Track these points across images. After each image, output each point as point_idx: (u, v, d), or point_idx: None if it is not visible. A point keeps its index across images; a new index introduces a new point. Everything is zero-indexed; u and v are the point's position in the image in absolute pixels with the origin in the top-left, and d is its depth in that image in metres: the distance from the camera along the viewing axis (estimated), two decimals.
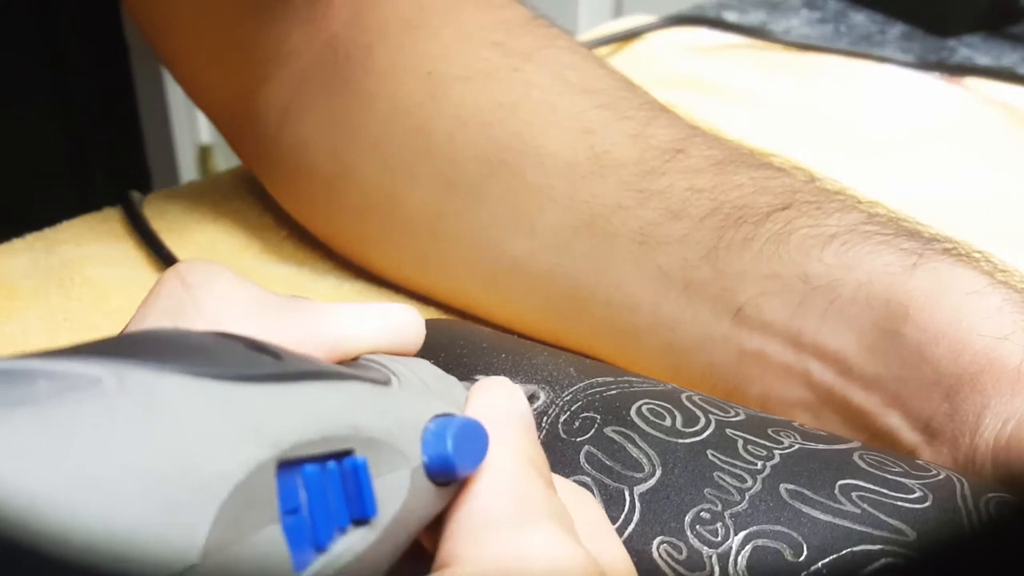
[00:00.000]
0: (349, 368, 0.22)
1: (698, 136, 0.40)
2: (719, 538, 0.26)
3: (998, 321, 0.31)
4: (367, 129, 0.44)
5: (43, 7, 0.68)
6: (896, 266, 0.33)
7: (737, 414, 0.30)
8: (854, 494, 0.26)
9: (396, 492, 0.20)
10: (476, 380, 0.26)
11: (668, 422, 0.29)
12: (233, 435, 0.16)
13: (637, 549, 0.26)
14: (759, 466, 0.27)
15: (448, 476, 0.21)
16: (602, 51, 0.70)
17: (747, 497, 0.27)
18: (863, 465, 0.27)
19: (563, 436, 0.29)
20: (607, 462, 0.28)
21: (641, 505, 0.27)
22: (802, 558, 0.25)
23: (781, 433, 0.29)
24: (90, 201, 0.54)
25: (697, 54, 0.71)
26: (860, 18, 0.78)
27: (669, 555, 0.26)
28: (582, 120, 0.40)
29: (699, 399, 0.30)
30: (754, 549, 0.26)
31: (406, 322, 0.26)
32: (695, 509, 0.27)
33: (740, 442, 0.28)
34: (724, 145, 0.40)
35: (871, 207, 0.36)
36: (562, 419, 0.30)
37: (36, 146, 0.70)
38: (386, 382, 0.22)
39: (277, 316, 0.24)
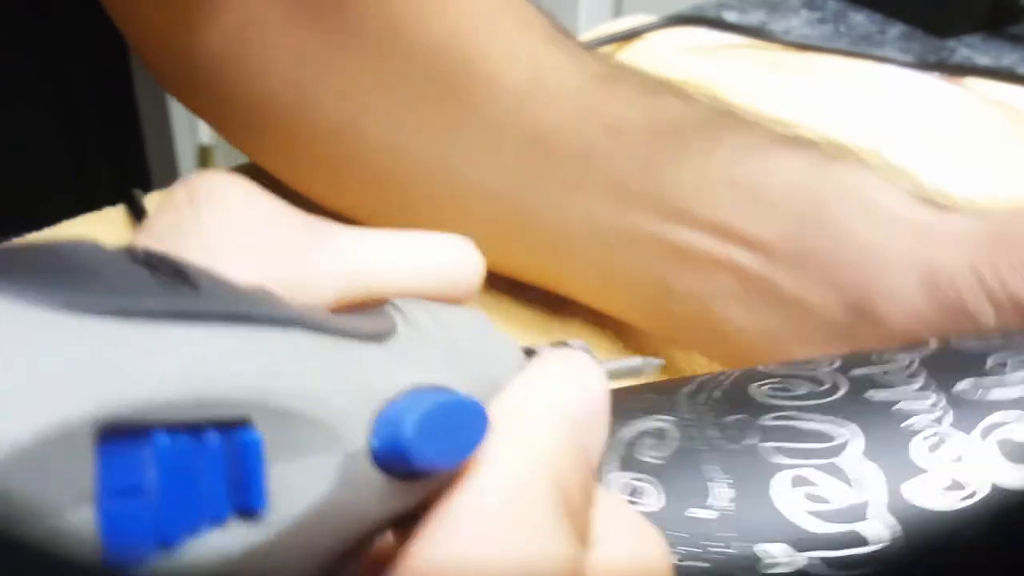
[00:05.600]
0: (331, 316, 0.17)
1: (627, 69, 0.43)
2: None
3: (911, 204, 0.35)
4: (325, 58, 0.45)
5: (43, 8, 0.68)
6: (817, 167, 0.37)
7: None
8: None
9: (311, 482, 0.15)
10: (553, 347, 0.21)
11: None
12: (37, 386, 0.12)
13: None
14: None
15: (405, 468, 0.16)
16: (602, 51, 0.70)
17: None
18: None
19: None
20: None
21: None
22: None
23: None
24: (90, 201, 0.54)
25: (697, 54, 0.71)
26: (860, 18, 0.78)
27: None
28: (527, 48, 0.43)
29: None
30: None
31: (458, 260, 0.21)
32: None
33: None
34: (653, 79, 0.43)
35: (791, 128, 0.41)
36: None
37: (36, 146, 0.70)
38: (377, 338, 0.17)
39: (288, 241, 0.20)
